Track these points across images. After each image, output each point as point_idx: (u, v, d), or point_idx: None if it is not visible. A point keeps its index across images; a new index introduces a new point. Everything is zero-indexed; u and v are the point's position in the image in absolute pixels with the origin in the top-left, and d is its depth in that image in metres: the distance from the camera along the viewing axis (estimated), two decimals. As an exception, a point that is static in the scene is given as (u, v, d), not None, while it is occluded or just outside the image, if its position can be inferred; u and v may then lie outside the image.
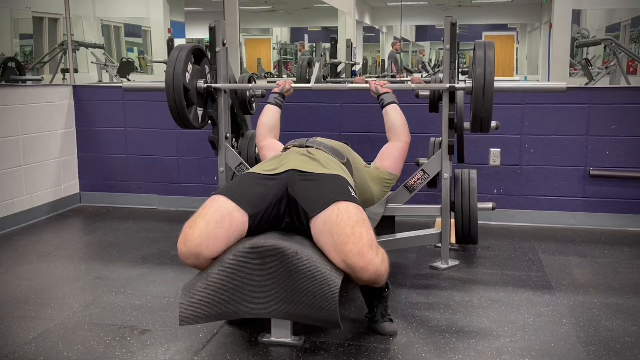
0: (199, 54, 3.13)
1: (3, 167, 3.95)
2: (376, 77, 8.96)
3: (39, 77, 5.76)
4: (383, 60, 11.32)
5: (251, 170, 2.55)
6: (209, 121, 3.22)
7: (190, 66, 2.99)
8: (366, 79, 3.15)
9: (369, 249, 2.12)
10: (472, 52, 2.84)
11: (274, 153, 2.78)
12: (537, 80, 11.11)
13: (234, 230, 2.24)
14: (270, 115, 3.09)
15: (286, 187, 2.34)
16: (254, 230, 2.29)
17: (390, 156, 2.94)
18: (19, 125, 4.08)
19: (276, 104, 3.12)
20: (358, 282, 2.22)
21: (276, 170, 2.43)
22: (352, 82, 5.81)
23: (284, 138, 3.12)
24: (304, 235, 2.28)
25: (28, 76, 5.51)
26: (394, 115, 2.98)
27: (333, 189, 2.30)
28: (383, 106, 3.02)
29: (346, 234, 2.14)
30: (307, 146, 2.68)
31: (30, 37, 6.69)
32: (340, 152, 2.72)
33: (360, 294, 2.48)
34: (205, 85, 3.09)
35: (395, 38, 11.37)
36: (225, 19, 4.83)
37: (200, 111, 3.11)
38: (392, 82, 2.97)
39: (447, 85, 2.96)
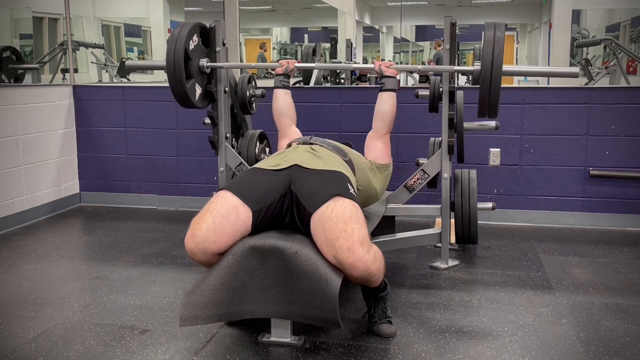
0: (205, 36, 3.10)
1: (3, 167, 3.95)
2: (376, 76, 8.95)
3: (35, 65, 5.79)
4: (382, 60, 11.37)
5: (256, 165, 2.56)
6: (209, 104, 3.19)
7: (195, 38, 2.96)
8: (372, 59, 3.20)
9: (360, 246, 2.12)
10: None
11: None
12: (537, 81, 11.12)
13: (240, 225, 2.25)
14: (283, 101, 3.12)
15: (289, 183, 2.35)
16: (258, 226, 2.29)
17: (378, 149, 2.98)
18: (19, 125, 4.08)
19: (284, 87, 3.15)
20: (351, 280, 2.22)
21: (280, 166, 2.44)
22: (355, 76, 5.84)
23: (284, 138, 3.11)
24: (305, 234, 2.29)
25: (27, 65, 5.55)
26: (386, 104, 3.00)
27: (332, 185, 2.30)
28: (381, 90, 3.04)
29: (338, 229, 2.13)
30: (310, 143, 2.69)
31: (30, 37, 6.68)
32: (342, 150, 2.73)
33: (361, 294, 2.49)
34: (207, 64, 3.05)
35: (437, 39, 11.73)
36: (225, 19, 4.84)
37: (199, 90, 3.05)
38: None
39: (455, 67, 2.98)
